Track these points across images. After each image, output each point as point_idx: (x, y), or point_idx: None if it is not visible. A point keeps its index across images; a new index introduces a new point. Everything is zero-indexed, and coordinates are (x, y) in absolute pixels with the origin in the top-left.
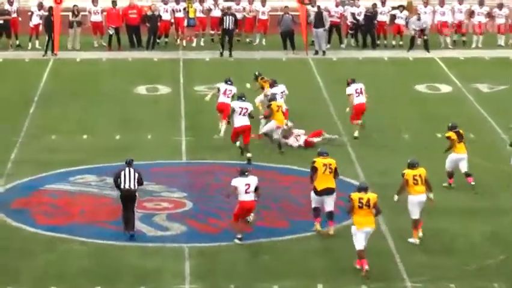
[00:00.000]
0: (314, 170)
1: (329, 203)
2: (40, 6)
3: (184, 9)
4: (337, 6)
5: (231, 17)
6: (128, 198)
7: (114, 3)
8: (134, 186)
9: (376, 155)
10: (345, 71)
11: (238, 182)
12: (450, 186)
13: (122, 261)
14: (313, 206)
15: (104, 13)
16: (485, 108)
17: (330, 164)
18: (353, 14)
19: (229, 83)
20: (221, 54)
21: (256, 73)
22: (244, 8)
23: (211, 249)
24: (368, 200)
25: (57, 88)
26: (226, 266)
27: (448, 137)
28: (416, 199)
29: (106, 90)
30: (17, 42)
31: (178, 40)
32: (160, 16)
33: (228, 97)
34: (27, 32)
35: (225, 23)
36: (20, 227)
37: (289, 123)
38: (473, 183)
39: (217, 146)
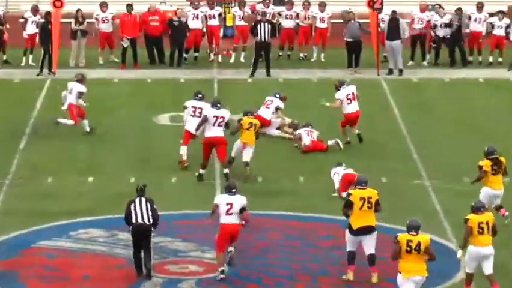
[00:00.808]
0: (349, 204)
1: (369, 244)
2: (35, 11)
3: (220, 15)
4: (422, 11)
5: (266, 24)
6: (140, 235)
7: (130, 7)
8: (149, 220)
9: None
10: (428, 96)
11: (220, 200)
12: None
13: None
14: (348, 249)
15: (117, 20)
16: None
17: (370, 197)
18: (434, 25)
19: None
20: (252, 74)
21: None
22: (297, 15)
23: None
24: (419, 244)
25: (55, 116)
26: None
27: (480, 167)
28: (478, 251)
29: (118, 120)
30: (4, 57)
31: (212, 55)
32: (186, 24)
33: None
34: (19, 43)
35: (259, 34)
36: None
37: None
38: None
39: (262, 191)
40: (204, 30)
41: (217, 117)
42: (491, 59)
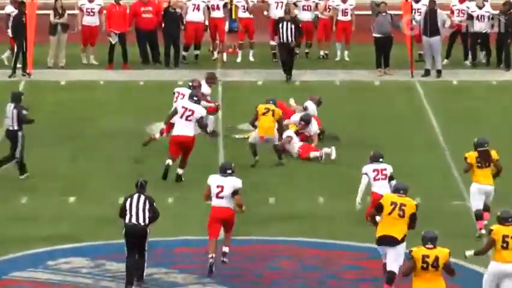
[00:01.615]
0: (379, 208)
1: (391, 259)
2: (15, 2)
3: (225, 5)
4: (462, 2)
5: (289, 24)
6: (133, 238)
7: None
8: (144, 221)
9: None
10: (472, 102)
11: (211, 181)
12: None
13: None
14: (382, 262)
15: (104, 12)
16: None
17: (404, 205)
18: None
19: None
20: (287, 79)
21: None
22: (316, 5)
23: None
24: (436, 259)
25: (30, 126)
26: None
27: (465, 158)
28: (501, 269)
29: (104, 130)
30: None
31: (215, 53)
32: (180, 16)
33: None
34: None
35: (281, 34)
36: None
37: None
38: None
39: (276, 215)
40: (207, 23)
41: (185, 108)
42: None
